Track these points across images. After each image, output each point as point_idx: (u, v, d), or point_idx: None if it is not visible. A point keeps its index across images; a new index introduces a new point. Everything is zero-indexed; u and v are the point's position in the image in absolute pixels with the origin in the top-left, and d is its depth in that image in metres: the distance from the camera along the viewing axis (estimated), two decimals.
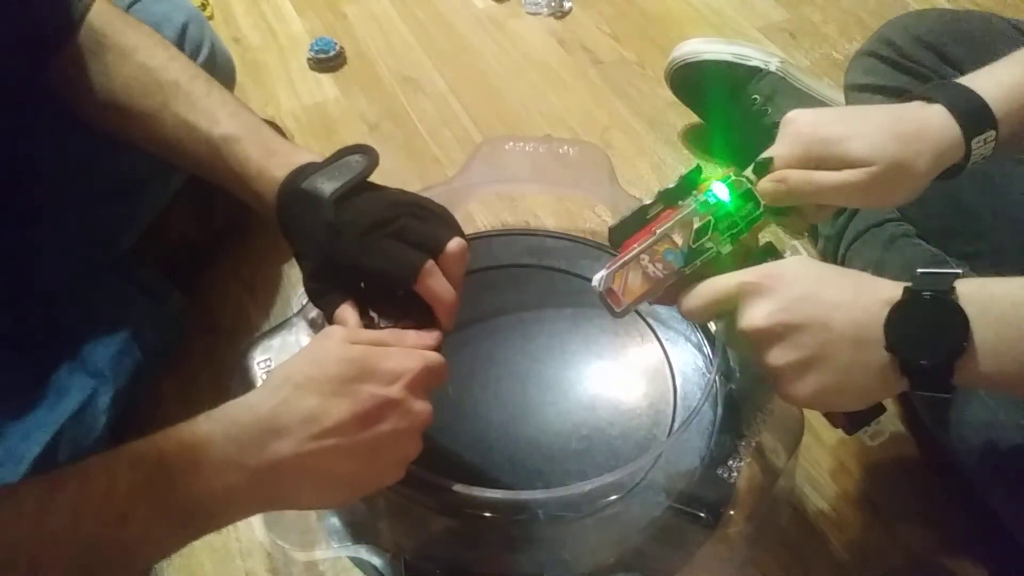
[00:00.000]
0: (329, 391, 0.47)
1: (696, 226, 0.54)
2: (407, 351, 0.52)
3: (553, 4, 1.24)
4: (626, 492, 0.60)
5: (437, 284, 0.55)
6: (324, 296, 0.58)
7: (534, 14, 1.24)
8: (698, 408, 0.61)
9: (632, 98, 1.10)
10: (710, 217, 0.55)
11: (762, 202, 0.56)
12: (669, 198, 0.56)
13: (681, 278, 0.54)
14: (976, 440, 0.62)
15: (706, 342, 0.70)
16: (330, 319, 0.57)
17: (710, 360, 0.68)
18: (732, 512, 0.61)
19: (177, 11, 0.78)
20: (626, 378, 0.69)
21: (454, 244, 0.56)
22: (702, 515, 0.60)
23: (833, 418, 0.54)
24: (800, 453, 0.66)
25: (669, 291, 0.54)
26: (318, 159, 0.59)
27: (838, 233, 0.82)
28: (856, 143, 0.55)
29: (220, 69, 0.81)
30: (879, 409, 0.53)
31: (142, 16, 0.68)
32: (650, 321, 0.72)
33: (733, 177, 0.57)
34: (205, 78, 0.64)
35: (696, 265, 0.54)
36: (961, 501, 0.68)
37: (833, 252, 0.83)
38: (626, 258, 0.54)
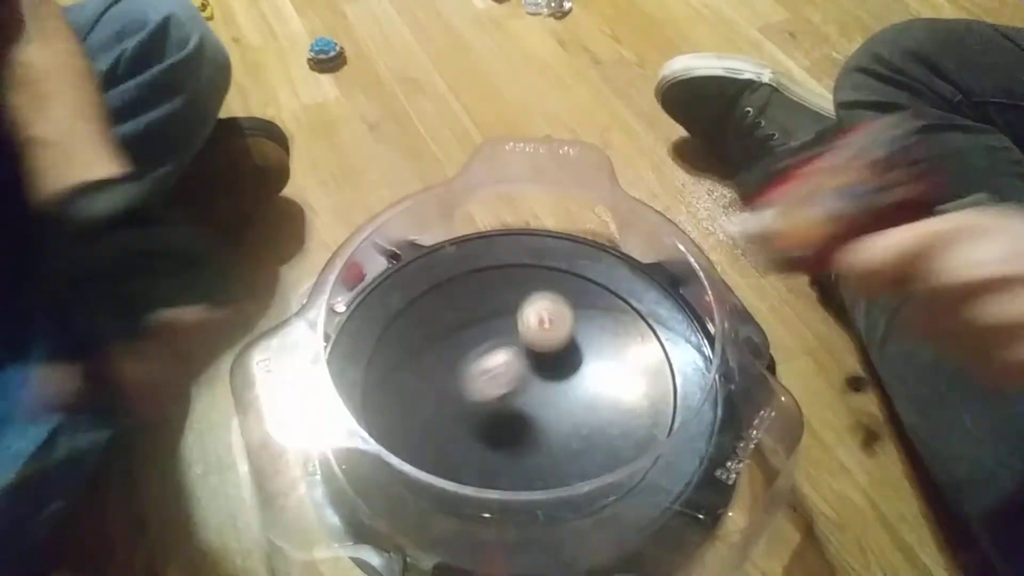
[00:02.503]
0: None
1: (871, 161, 0.45)
2: None
3: (553, 4, 1.24)
4: (625, 493, 0.60)
5: (131, 369, 0.44)
6: None
7: (534, 14, 1.24)
8: (698, 409, 0.61)
9: (632, 98, 1.10)
10: (888, 151, 0.45)
11: None
12: (811, 147, 0.47)
13: (855, 224, 0.44)
14: (963, 477, 0.61)
15: (706, 342, 0.70)
16: None
17: (710, 360, 0.68)
18: (731, 513, 0.61)
19: (164, 1, 0.78)
20: (626, 378, 0.69)
21: (175, 316, 0.45)
22: (701, 516, 0.60)
23: None
24: (799, 453, 0.66)
25: (834, 243, 0.44)
26: (115, 177, 0.52)
27: None
28: None
29: (210, 62, 0.81)
30: None
31: (128, 5, 0.67)
32: (650, 321, 0.72)
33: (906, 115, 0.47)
34: (74, 81, 0.58)
35: (875, 207, 0.44)
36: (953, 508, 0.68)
37: None
38: (788, 198, 0.45)
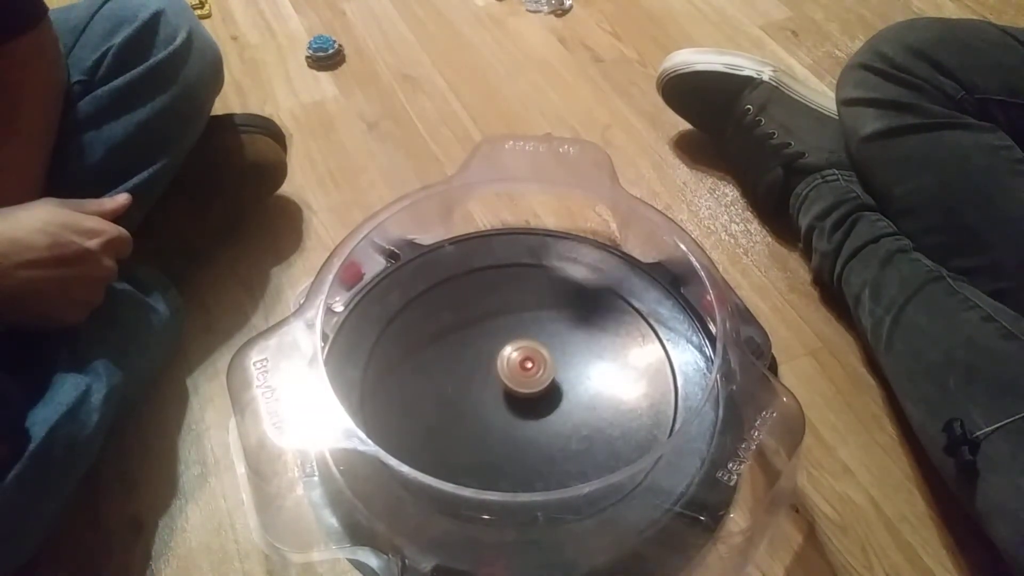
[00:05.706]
0: (36, 230, 0.59)
1: None
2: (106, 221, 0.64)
3: (554, 2, 1.23)
4: (626, 494, 0.60)
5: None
6: None
7: (534, 12, 1.23)
8: (699, 409, 0.61)
9: (633, 96, 1.09)
10: None
11: None
12: None
13: None
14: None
15: (707, 342, 0.70)
16: None
17: (711, 361, 0.67)
18: (732, 515, 0.60)
19: None
20: (627, 378, 0.69)
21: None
22: (702, 518, 0.59)
23: None
24: (801, 454, 0.66)
25: None
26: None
27: (834, 250, 0.80)
28: None
29: (199, 56, 0.80)
30: None
31: (119, 3, 0.68)
32: (651, 321, 0.72)
33: None
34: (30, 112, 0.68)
35: None
36: (961, 502, 0.68)
37: (830, 269, 0.81)
38: None
